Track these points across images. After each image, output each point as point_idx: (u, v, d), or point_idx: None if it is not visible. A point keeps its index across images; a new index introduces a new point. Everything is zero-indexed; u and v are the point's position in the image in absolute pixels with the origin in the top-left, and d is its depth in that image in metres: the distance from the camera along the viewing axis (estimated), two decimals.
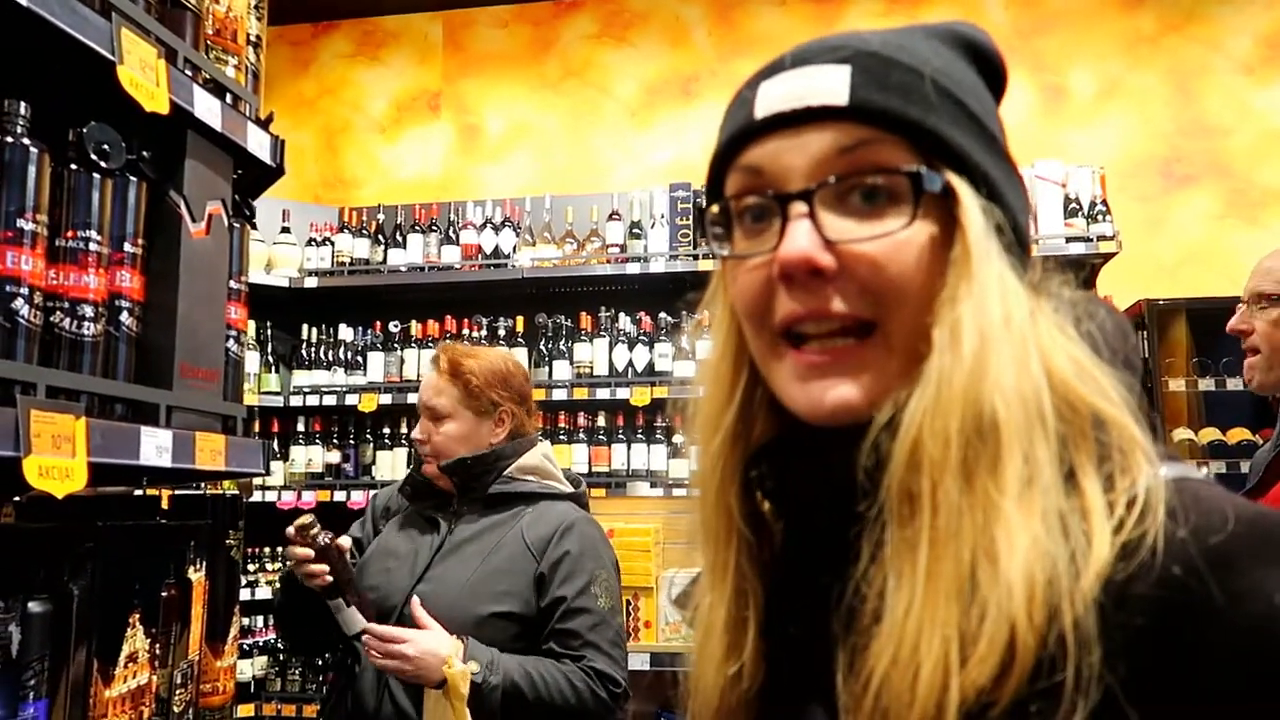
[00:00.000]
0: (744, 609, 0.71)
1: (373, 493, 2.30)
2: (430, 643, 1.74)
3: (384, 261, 4.29)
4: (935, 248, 0.63)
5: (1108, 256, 3.77)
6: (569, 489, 2.06)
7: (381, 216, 4.43)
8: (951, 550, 0.57)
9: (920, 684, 0.56)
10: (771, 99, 0.66)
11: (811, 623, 0.67)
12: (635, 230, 4.15)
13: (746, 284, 0.67)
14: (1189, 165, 4.44)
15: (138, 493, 1.65)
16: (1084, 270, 3.83)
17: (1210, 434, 3.63)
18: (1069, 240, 3.76)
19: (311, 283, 4.21)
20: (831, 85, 0.64)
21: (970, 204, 0.63)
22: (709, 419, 0.73)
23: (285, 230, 4.31)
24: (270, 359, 4.22)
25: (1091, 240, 3.76)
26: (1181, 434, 3.68)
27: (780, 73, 0.67)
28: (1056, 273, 0.68)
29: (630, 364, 4.01)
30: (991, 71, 0.70)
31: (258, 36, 1.56)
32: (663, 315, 4.09)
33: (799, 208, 0.64)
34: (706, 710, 0.73)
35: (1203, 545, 0.54)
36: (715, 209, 0.70)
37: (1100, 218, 3.84)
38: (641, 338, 4.05)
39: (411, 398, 4.00)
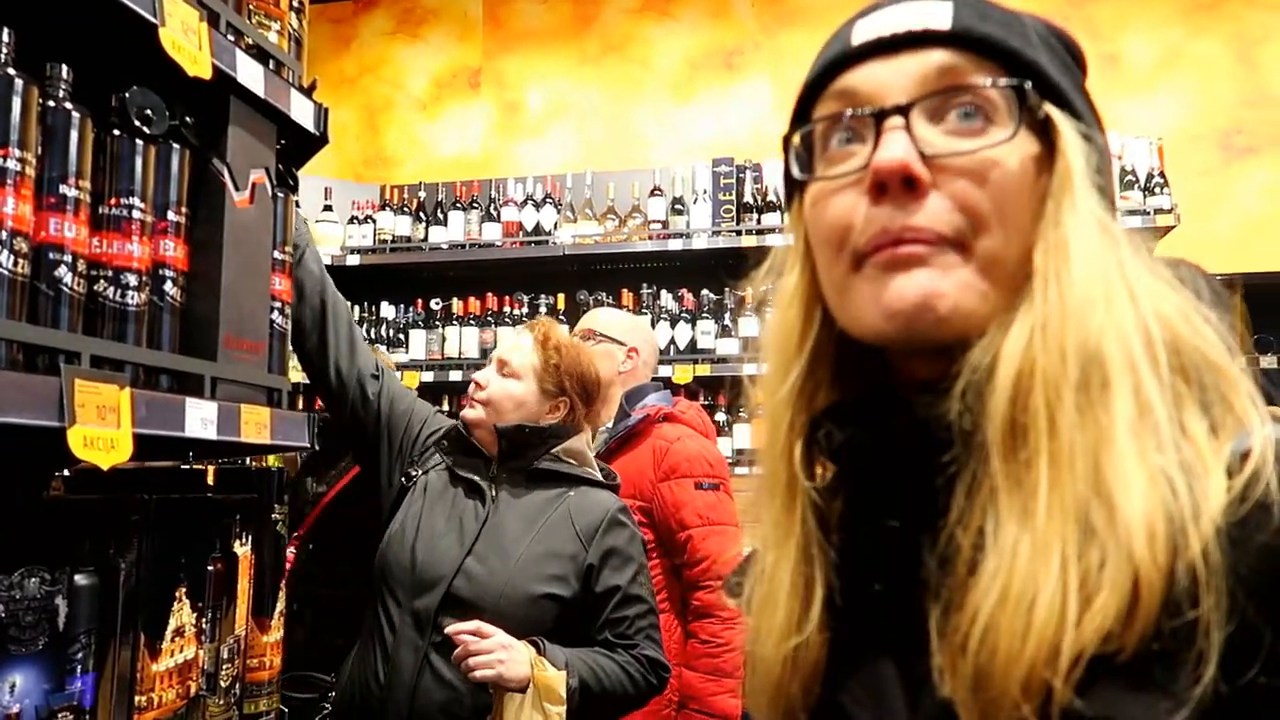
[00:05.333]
0: (810, 568, 0.68)
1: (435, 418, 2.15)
2: (511, 639, 1.70)
3: (425, 239, 4.28)
4: (1035, 170, 0.62)
5: (1165, 230, 3.66)
6: (602, 480, 2.03)
7: (423, 194, 4.41)
8: (1068, 477, 0.54)
9: (1035, 620, 0.52)
10: (870, 28, 0.65)
11: (896, 579, 0.64)
12: (677, 206, 4.09)
13: (830, 205, 0.64)
14: (1250, 136, 4.29)
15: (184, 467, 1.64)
16: None
17: (1273, 412, 3.51)
18: (1125, 214, 3.65)
19: (353, 261, 4.22)
20: (934, 13, 0.64)
21: (1070, 134, 0.62)
22: (776, 369, 0.71)
23: (327, 208, 4.31)
24: None
25: (1149, 214, 3.65)
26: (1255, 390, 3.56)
27: (879, 9, 0.67)
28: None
29: (672, 341, 3.97)
30: (1069, 50, 0.70)
31: (300, 2, 1.52)
32: (705, 292, 4.04)
33: (895, 120, 0.62)
34: (769, 680, 0.70)
35: None
36: (798, 136, 0.68)
37: (1158, 190, 3.73)
38: (684, 315, 4.01)
39: (454, 375, 4.00)
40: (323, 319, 1.95)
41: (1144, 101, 4.39)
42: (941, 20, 0.63)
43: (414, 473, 2.01)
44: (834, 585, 0.68)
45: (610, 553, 1.87)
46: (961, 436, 0.59)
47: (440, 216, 4.31)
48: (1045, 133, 0.63)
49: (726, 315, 3.99)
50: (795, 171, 0.68)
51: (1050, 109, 0.63)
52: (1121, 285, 0.59)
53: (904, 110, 0.62)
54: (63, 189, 1.04)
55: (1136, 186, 3.74)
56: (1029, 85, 0.62)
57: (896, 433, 0.64)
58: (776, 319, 0.72)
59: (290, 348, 1.50)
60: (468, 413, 1.99)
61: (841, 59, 0.66)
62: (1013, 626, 0.53)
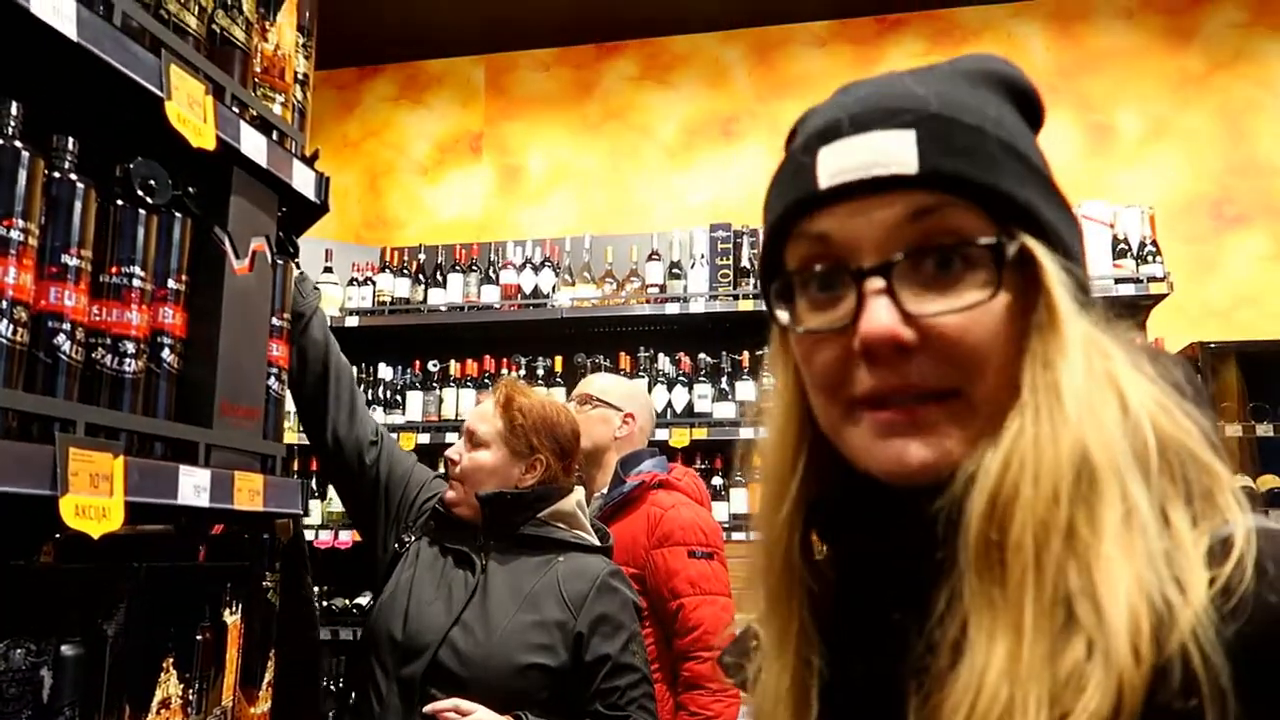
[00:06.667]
0: (808, 677, 0.68)
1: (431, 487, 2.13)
2: (492, 716, 1.68)
3: (424, 301, 4.30)
4: (1016, 312, 0.62)
5: (1158, 298, 3.69)
6: (596, 542, 2.01)
7: (422, 256, 4.45)
8: (1038, 599, 0.55)
9: None
10: (835, 168, 0.63)
11: (880, 664, 0.64)
12: (675, 270, 4.13)
13: (820, 357, 0.65)
14: (1240, 205, 4.35)
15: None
16: (1136, 313, 3.75)
17: (1270, 481, 3.51)
18: (1118, 281, 3.68)
19: (353, 322, 4.23)
20: (899, 153, 0.62)
21: (1051, 267, 0.62)
22: (772, 491, 0.71)
23: (328, 270, 4.34)
24: None
25: (1141, 281, 3.68)
26: (1237, 481, 3.55)
27: (839, 139, 0.64)
28: (1117, 315, 0.67)
29: (669, 405, 3.97)
30: (1028, 106, 0.69)
31: (305, 74, 1.56)
32: (702, 356, 4.05)
33: (876, 283, 0.62)
34: None
35: None
36: (777, 283, 0.67)
37: (1150, 259, 3.77)
38: (681, 378, 4.02)
39: (450, 437, 3.99)
40: (324, 384, 1.95)
41: (1136, 171, 4.46)
42: (908, 162, 0.61)
43: (407, 538, 2.00)
44: (825, 675, 0.68)
45: (600, 620, 1.83)
46: (944, 541, 0.60)
47: (439, 279, 4.34)
48: (1023, 263, 0.62)
49: (723, 379, 3.99)
50: (781, 317, 0.67)
51: (1027, 241, 0.62)
52: (1112, 396, 0.59)
53: (884, 271, 0.62)
54: (64, 258, 1.05)
55: (1129, 255, 3.78)
56: (1002, 239, 0.61)
57: (889, 530, 0.65)
58: (771, 434, 0.72)
59: (285, 413, 1.50)
60: (448, 494, 1.99)
61: (809, 200, 0.65)
62: None
